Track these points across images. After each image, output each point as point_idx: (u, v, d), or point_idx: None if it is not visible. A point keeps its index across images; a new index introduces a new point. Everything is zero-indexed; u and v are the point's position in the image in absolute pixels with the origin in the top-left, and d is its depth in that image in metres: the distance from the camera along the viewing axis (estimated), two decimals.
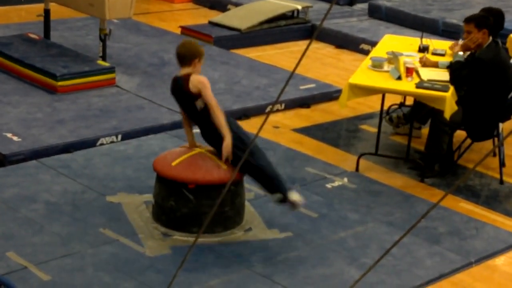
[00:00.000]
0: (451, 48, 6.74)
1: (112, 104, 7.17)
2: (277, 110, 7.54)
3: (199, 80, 5.02)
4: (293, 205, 5.09)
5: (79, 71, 7.49)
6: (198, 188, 5.02)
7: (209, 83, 5.05)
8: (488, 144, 6.74)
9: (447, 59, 6.60)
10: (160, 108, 7.13)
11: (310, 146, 6.80)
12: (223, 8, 11.11)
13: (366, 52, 9.06)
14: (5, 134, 6.33)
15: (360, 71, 6.46)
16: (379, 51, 6.95)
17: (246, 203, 5.40)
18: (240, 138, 5.08)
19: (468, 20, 6.17)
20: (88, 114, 6.89)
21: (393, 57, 6.46)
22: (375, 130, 6.77)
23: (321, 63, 9.21)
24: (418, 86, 6.08)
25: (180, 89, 5.09)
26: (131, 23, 9.74)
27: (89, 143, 6.38)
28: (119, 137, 6.54)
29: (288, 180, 5.98)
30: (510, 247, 5.40)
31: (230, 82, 8.02)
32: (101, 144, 6.43)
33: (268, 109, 7.45)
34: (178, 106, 5.30)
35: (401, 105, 7.38)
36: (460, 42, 6.57)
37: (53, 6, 8.51)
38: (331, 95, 7.94)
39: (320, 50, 9.74)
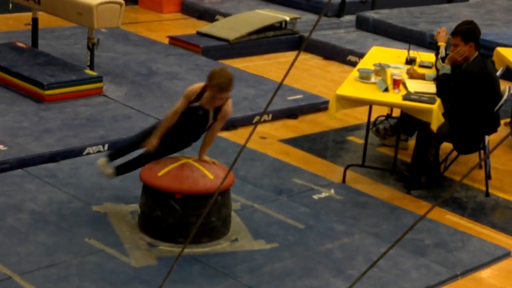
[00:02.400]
0: (437, 36, 6.74)
1: (99, 114, 7.15)
2: (265, 121, 7.55)
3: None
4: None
5: (67, 80, 7.47)
6: (184, 198, 5.02)
7: (187, 96, 5.13)
8: (474, 157, 6.76)
9: (434, 72, 6.63)
10: (147, 117, 7.12)
11: (297, 157, 6.81)
12: (211, 19, 11.12)
13: (353, 64, 9.09)
14: None
15: (348, 83, 6.48)
16: (366, 63, 6.97)
17: (233, 214, 5.40)
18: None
19: (454, 33, 6.20)
20: (75, 123, 6.87)
21: (380, 69, 6.48)
22: (362, 141, 6.78)
23: (308, 74, 9.23)
24: (405, 98, 6.10)
25: None
26: (119, 32, 9.73)
27: (76, 153, 6.36)
28: (106, 146, 6.52)
29: (275, 191, 6.00)
30: (496, 260, 5.42)
31: None
32: (88, 154, 6.41)
33: (255, 120, 7.45)
34: None
35: (388, 116, 7.40)
36: (444, 29, 6.67)
37: (41, 15, 8.49)
38: (319, 106, 7.95)
39: (308, 61, 9.76)
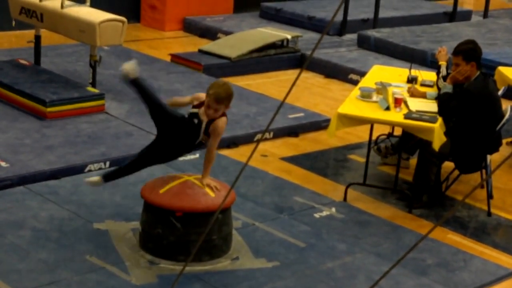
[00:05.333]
0: (438, 55, 6.76)
1: (101, 131, 7.16)
2: (266, 139, 7.55)
3: None
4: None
5: (69, 97, 7.48)
6: (185, 216, 5.01)
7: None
8: (476, 176, 6.75)
9: (435, 90, 6.64)
10: (148, 135, 7.11)
11: (298, 175, 6.80)
12: (213, 37, 11.16)
13: (355, 82, 9.10)
14: None
15: (349, 101, 6.48)
16: (368, 82, 6.98)
17: (234, 232, 5.39)
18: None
19: (456, 52, 6.21)
20: (76, 141, 6.88)
21: (382, 88, 6.49)
22: (363, 160, 6.78)
23: (310, 92, 9.25)
24: (407, 116, 6.10)
25: None
26: (122, 50, 9.76)
27: (77, 170, 6.36)
28: (107, 163, 6.52)
29: (276, 209, 6.00)
30: (498, 280, 5.40)
31: None
32: (89, 171, 6.41)
33: (256, 138, 7.45)
34: None
35: (390, 135, 7.40)
36: (444, 48, 6.68)
37: (43, 33, 8.52)
38: (320, 125, 7.96)
39: (309, 79, 9.78)
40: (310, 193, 6.36)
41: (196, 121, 5.11)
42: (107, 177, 5.42)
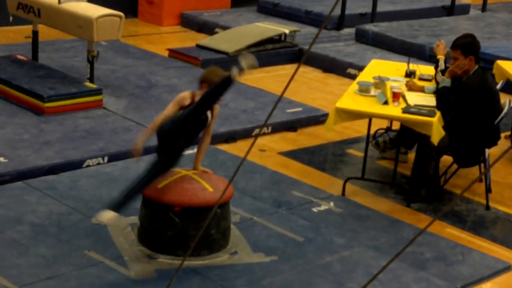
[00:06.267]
0: (436, 49, 6.77)
1: (99, 126, 7.16)
2: (264, 133, 7.55)
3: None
4: None
5: (67, 93, 7.48)
6: (184, 211, 5.01)
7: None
8: (474, 170, 6.76)
9: (433, 85, 6.64)
10: None
11: (296, 170, 6.80)
12: (211, 32, 11.15)
13: (353, 77, 9.10)
14: None
15: (347, 96, 6.48)
16: (366, 76, 6.97)
17: (232, 226, 5.39)
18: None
19: (454, 46, 6.20)
20: (74, 136, 6.88)
21: (380, 82, 6.49)
22: (361, 154, 6.78)
23: (308, 87, 9.25)
24: (405, 111, 6.10)
25: None
26: (119, 45, 9.75)
27: (76, 165, 6.36)
28: (106, 159, 6.53)
29: (274, 204, 6.00)
30: (496, 273, 5.41)
31: None
32: (88, 166, 6.41)
33: (255, 133, 7.46)
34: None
35: (388, 129, 7.40)
36: (443, 42, 6.71)
37: (41, 28, 8.51)
38: (318, 119, 7.96)
39: (307, 74, 9.78)
40: (308, 188, 6.37)
41: (203, 117, 5.13)
42: (117, 207, 4.90)
